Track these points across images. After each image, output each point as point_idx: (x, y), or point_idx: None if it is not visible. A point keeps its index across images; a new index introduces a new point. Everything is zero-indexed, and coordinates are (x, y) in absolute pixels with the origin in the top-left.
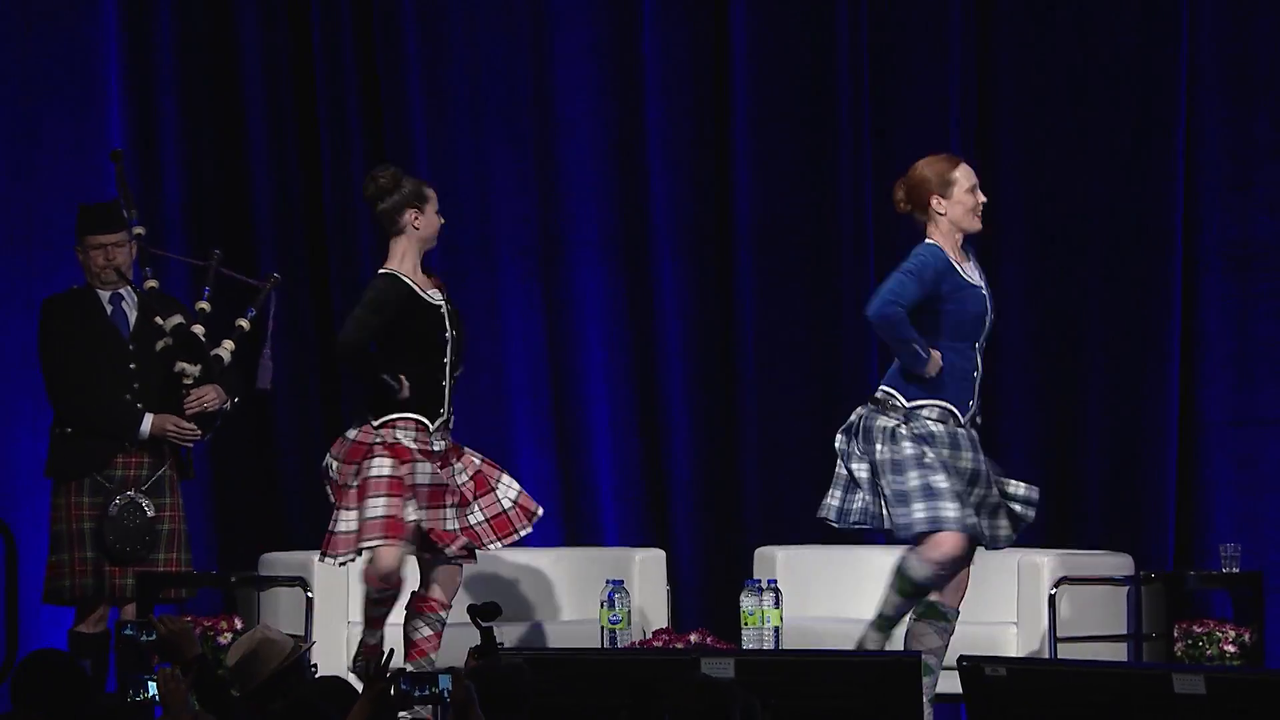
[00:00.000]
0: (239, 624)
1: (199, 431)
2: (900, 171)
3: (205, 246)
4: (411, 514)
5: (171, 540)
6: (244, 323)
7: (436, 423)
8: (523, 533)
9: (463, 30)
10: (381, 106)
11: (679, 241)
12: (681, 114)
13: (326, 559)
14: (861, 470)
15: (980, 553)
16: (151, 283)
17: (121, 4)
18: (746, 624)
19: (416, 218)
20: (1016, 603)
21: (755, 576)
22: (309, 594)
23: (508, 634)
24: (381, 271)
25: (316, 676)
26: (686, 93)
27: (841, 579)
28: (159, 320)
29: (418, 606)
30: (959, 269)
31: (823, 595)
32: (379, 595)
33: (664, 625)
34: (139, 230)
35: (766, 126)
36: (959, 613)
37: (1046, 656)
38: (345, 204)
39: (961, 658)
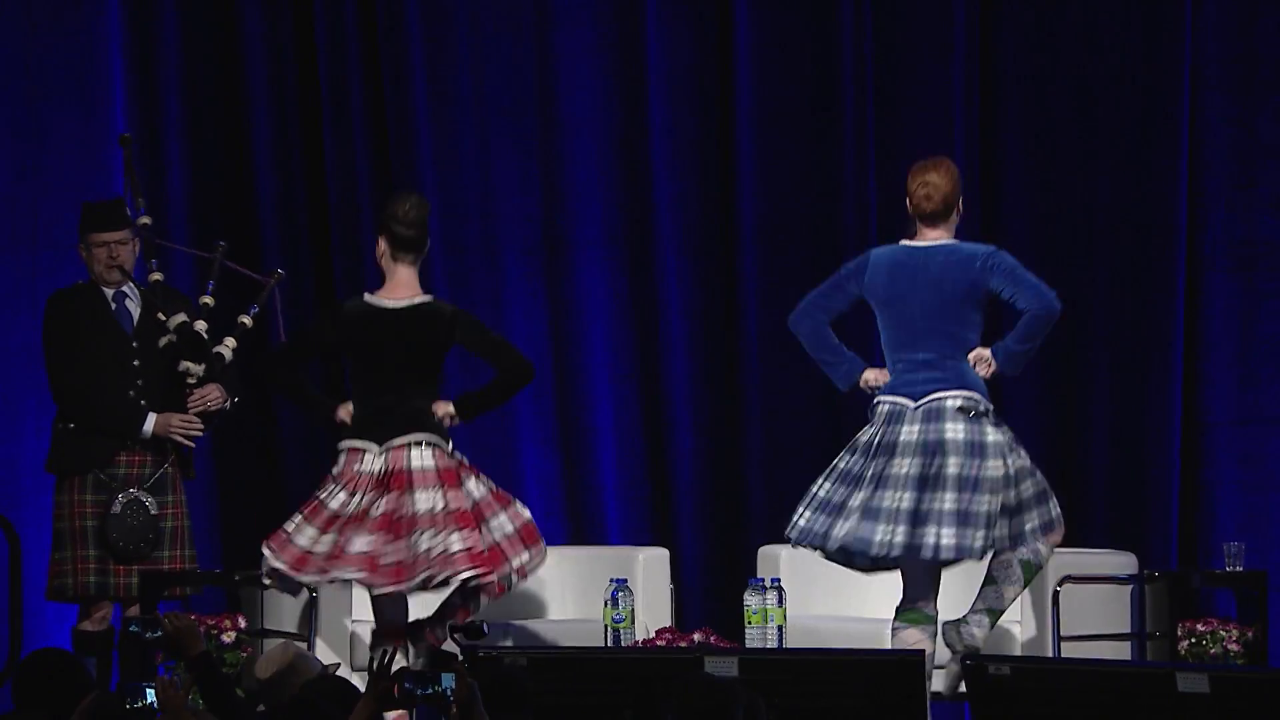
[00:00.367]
0: (242, 622)
1: (202, 429)
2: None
3: (209, 243)
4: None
5: (175, 537)
6: (247, 319)
7: None
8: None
9: (467, 28)
10: (386, 104)
11: (683, 241)
12: (686, 113)
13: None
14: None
15: None
16: (156, 275)
17: (126, 2)
18: (750, 623)
19: None
20: (1020, 601)
21: (759, 575)
22: (312, 593)
23: (511, 633)
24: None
25: (271, 671)
26: (691, 92)
27: (845, 578)
28: (162, 317)
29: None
30: None
31: (826, 594)
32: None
33: (667, 624)
34: (145, 220)
35: (771, 125)
36: None
37: (1050, 655)
38: (349, 201)
39: (965, 657)
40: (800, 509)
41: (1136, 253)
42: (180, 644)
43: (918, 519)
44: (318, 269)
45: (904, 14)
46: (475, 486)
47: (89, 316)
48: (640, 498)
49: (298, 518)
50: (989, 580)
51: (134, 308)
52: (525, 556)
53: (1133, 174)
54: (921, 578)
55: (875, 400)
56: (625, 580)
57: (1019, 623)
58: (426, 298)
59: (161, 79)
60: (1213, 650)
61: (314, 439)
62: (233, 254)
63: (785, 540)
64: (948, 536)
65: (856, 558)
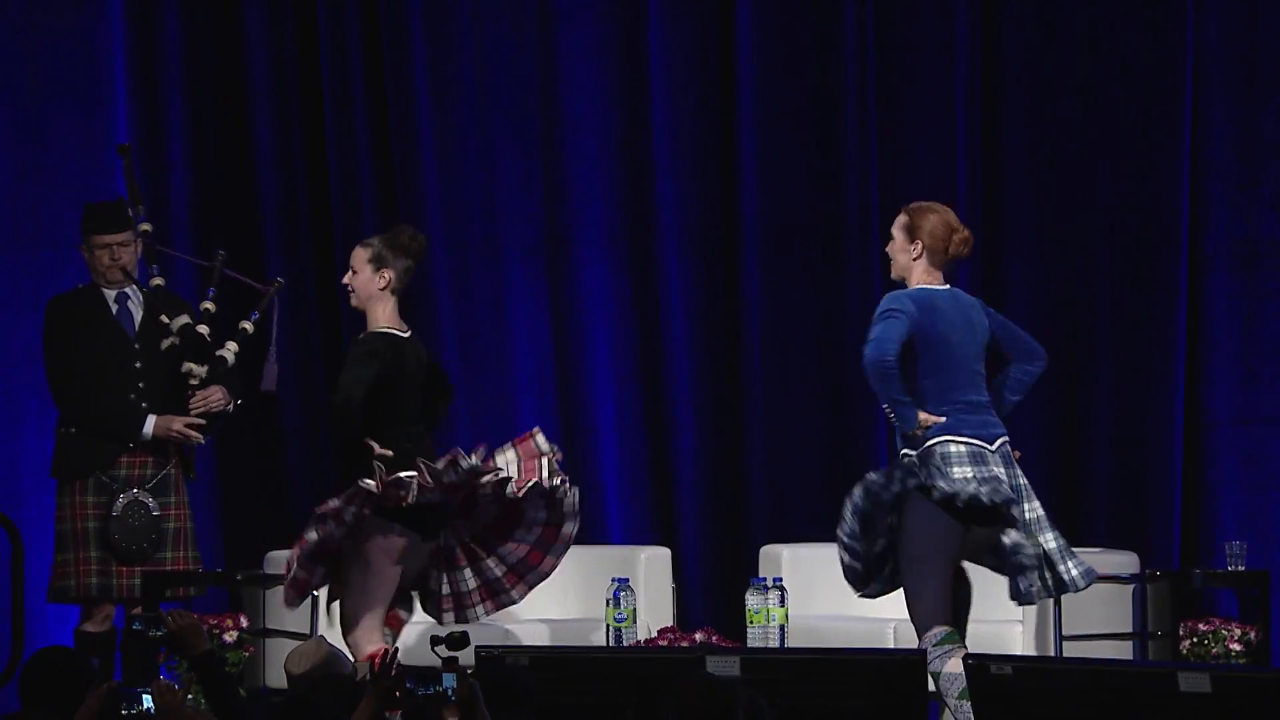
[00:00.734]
0: (244, 622)
1: (204, 430)
2: (904, 172)
3: (211, 246)
4: None
5: (178, 538)
6: (247, 325)
7: None
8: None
9: (468, 29)
10: (388, 106)
11: (685, 240)
12: (687, 112)
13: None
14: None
15: None
16: (157, 280)
17: (128, 3)
18: (752, 622)
19: None
20: None
21: (760, 575)
22: (314, 592)
23: (513, 632)
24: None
25: (306, 666)
26: (692, 91)
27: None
28: (165, 319)
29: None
30: None
31: (828, 593)
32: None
33: (669, 624)
34: (145, 227)
35: (772, 125)
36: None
37: (1052, 655)
38: (351, 204)
39: (967, 656)
40: None
41: (1138, 252)
42: (183, 642)
43: (1056, 557)
44: (319, 271)
45: (906, 13)
46: None
47: (89, 319)
48: (642, 497)
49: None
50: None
51: (136, 310)
52: None
53: (1134, 174)
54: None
55: (931, 441)
56: (627, 580)
57: (1021, 622)
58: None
59: (163, 80)
60: (1214, 650)
61: (315, 439)
62: (234, 257)
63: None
64: (1076, 567)
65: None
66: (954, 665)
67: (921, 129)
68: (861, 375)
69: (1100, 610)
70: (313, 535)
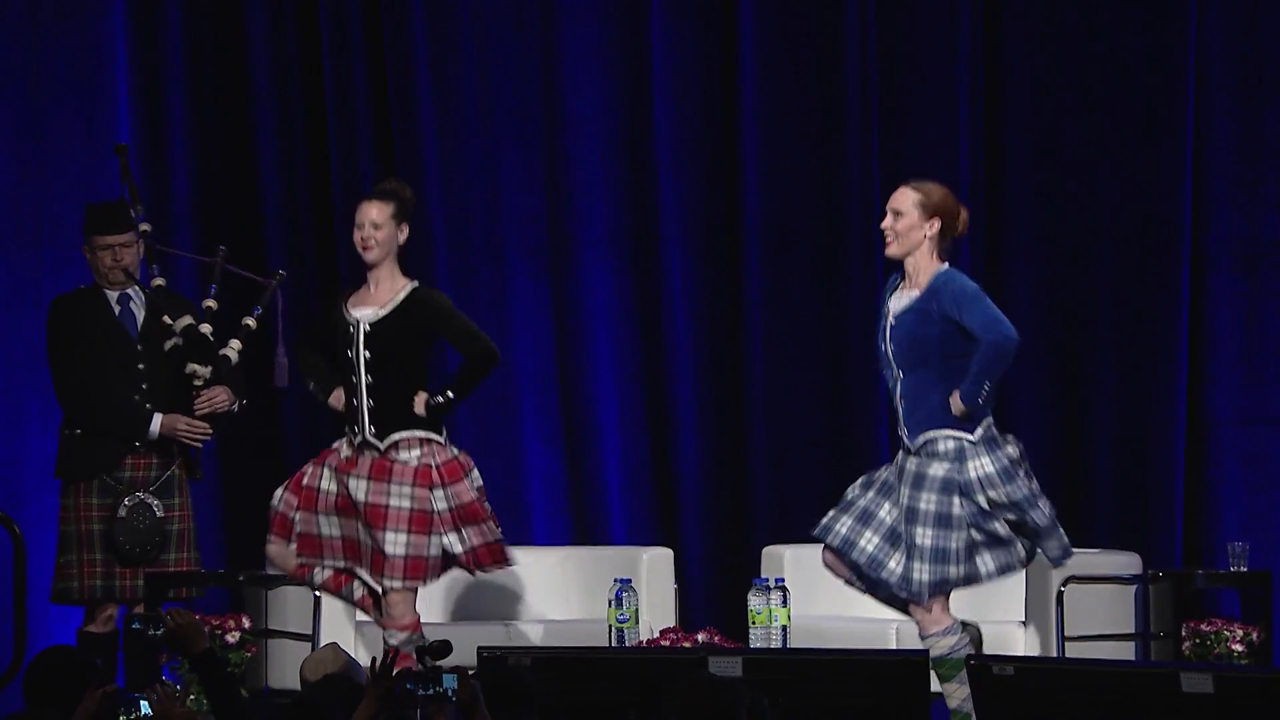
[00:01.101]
0: (246, 623)
1: (209, 431)
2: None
3: (213, 245)
4: (277, 503)
5: (181, 540)
6: (250, 321)
7: (357, 439)
8: (385, 582)
9: (471, 28)
10: (390, 105)
11: (687, 240)
12: (690, 112)
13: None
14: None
15: None
16: (159, 281)
17: (129, 3)
18: (754, 623)
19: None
20: (1024, 602)
21: (763, 575)
22: (316, 593)
23: (515, 633)
24: None
25: (321, 674)
26: (695, 91)
27: None
28: (167, 320)
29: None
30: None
31: (830, 594)
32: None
33: (671, 624)
34: (145, 227)
35: (775, 125)
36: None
37: (1054, 655)
38: (353, 202)
39: (970, 656)
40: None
41: (1141, 252)
42: (183, 641)
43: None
44: (321, 269)
45: (908, 13)
46: None
47: (92, 320)
48: (644, 497)
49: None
50: None
51: (139, 310)
52: None
53: (1137, 173)
54: None
55: (991, 429)
56: (629, 580)
57: (1023, 623)
58: None
59: (165, 80)
60: (1217, 650)
61: (317, 439)
62: (235, 255)
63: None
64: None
65: None
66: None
67: (924, 129)
68: (865, 373)
69: (1102, 611)
70: None
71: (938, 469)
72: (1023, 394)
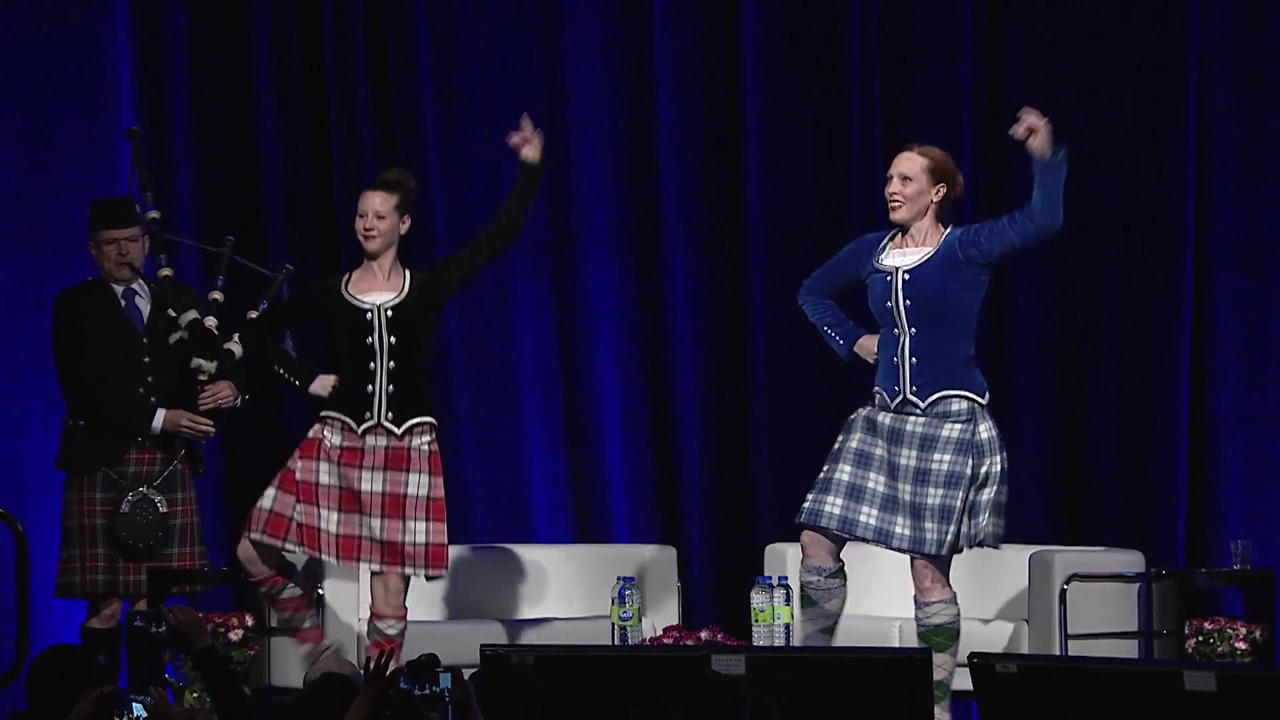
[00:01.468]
0: (249, 620)
1: (212, 427)
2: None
3: (217, 242)
4: (288, 509)
5: (185, 535)
6: (254, 315)
7: (363, 425)
8: (407, 570)
9: (473, 26)
10: (392, 103)
11: (689, 239)
12: (692, 111)
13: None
14: None
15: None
16: (166, 271)
17: (132, 1)
18: (757, 621)
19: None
20: (1027, 600)
21: (766, 573)
22: (319, 590)
23: (518, 632)
24: None
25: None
26: (697, 90)
27: (851, 576)
28: (173, 313)
29: (371, 616)
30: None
31: None
32: (255, 582)
33: (674, 622)
34: (154, 215)
35: (777, 124)
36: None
37: (1057, 653)
38: (356, 199)
39: (972, 655)
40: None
41: (1143, 251)
42: (186, 638)
43: None
44: (324, 266)
45: (910, 12)
46: None
47: (98, 314)
48: (647, 496)
49: None
50: None
51: (144, 305)
52: None
53: (1139, 173)
54: None
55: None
56: (632, 578)
57: (1026, 620)
58: None
59: (168, 77)
60: (1220, 649)
61: None
62: (239, 246)
63: None
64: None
65: None
66: None
67: (926, 128)
68: (867, 372)
69: (1105, 609)
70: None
71: (950, 430)
72: (1025, 393)
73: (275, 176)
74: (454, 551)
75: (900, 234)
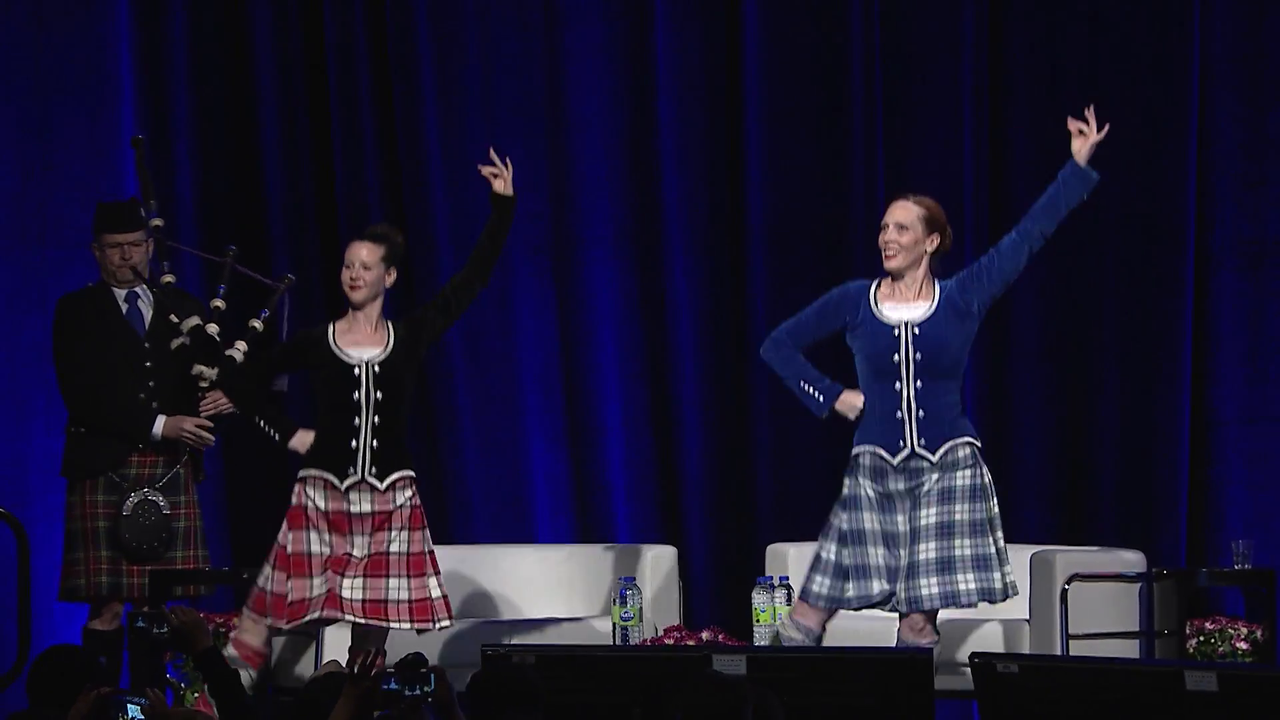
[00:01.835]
0: None
1: (213, 435)
2: (910, 171)
3: (218, 244)
4: (277, 586)
5: (188, 537)
6: (257, 323)
7: (346, 482)
8: (391, 625)
9: (475, 27)
10: (394, 105)
11: (691, 239)
12: (694, 111)
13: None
14: None
15: None
16: (169, 278)
17: (135, 1)
18: (758, 621)
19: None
20: (1029, 599)
21: (767, 574)
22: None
23: (519, 631)
24: None
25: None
26: (699, 90)
27: None
28: (174, 319)
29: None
30: (870, 304)
31: None
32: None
33: (675, 622)
34: (157, 222)
35: (779, 124)
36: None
37: (1058, 653)
38: (357, 203)
39: (973, 654)
40: None
41: (1145, 250)
42: (188, 639)
43: None
44: (326, 270)
45: (912, 12)
46: None
47: (99, 318)
48: (648, 496)
49: None
50: None
51: (146, 309)
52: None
53: (1142, 172)
54: None
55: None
56: (633, 579)
57: (1027, 621)
58: None
59: (170, 78)
60: (1221, 649)
61: None
62: (242, 256)
63: None
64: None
65: None
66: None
67: (928, 128)
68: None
69: (1107, 609)
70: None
71: (962, 478)
72: (1027, 392)
73: (277, 177)
74: (455, 551)
75: (887, 283)
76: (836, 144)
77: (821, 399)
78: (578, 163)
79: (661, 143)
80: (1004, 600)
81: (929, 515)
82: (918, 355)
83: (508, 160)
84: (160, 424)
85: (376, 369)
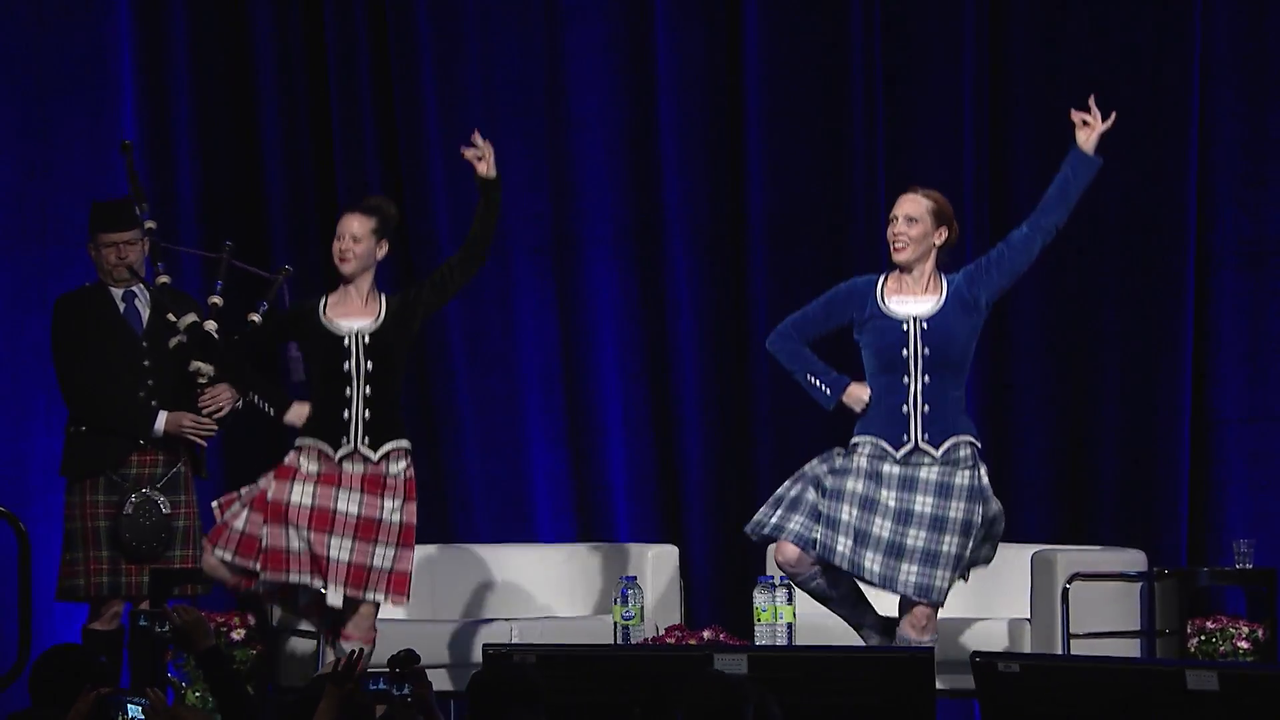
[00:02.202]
0: (251, 620)
1: (214, 427)
2: (911, 170)
3: (219, 244)
4: (242, 525)
5: (187, 537)
6: (256, 317)
7: (340, 452)
8: (369, 595)
9: (476, 26)
10: (395, 104)
11: (692, 238)
12: (694, 110)
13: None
14: None
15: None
16: (164, 278)
17: (135, 1)
18: (759, 620)
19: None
20: (1030, 599)
21: (768, 573)
22: (322, 590)
23: (520, 631)
24: None
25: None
26: (699, 89)
27: None
28: (172, 317)
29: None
30: (877, 298)
31: None
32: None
33: (677, 622)
34: (150, 224)
35: (780, 123)
36: None
37: (1060, 653)
38: (359, 200)
39: (975, 654)
40: None
41: (1146, 250)
42: (190, 638)
43: None
44: (326, 266)
45: (913, 11)
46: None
47: (97, 318)
48: (650, 495)
49: None
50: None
51: (143, 308)
52: None
53: (1142, 171)
54: None
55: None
56: (635, 578)
57: (1028, 620)
58: None
59: (171, 77)
60: (1222, 648)
61: None
62: (240, 253)
63: None
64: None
65: None
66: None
67: (929, 127)
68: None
69: (1108, 608)
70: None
71: (962, 477)
72: (1028, 392)
73: (278, 176)
74: (457, 551)
75: (894, 277)
76: (837, 143)
77: (829, 392)
78: (578, 162)
79: (662, 142)
80: (941, 601)
81: (924, 503)
82: (926, 350)
83: (488, 141)
84: (162, 420)
85: (366, 339)
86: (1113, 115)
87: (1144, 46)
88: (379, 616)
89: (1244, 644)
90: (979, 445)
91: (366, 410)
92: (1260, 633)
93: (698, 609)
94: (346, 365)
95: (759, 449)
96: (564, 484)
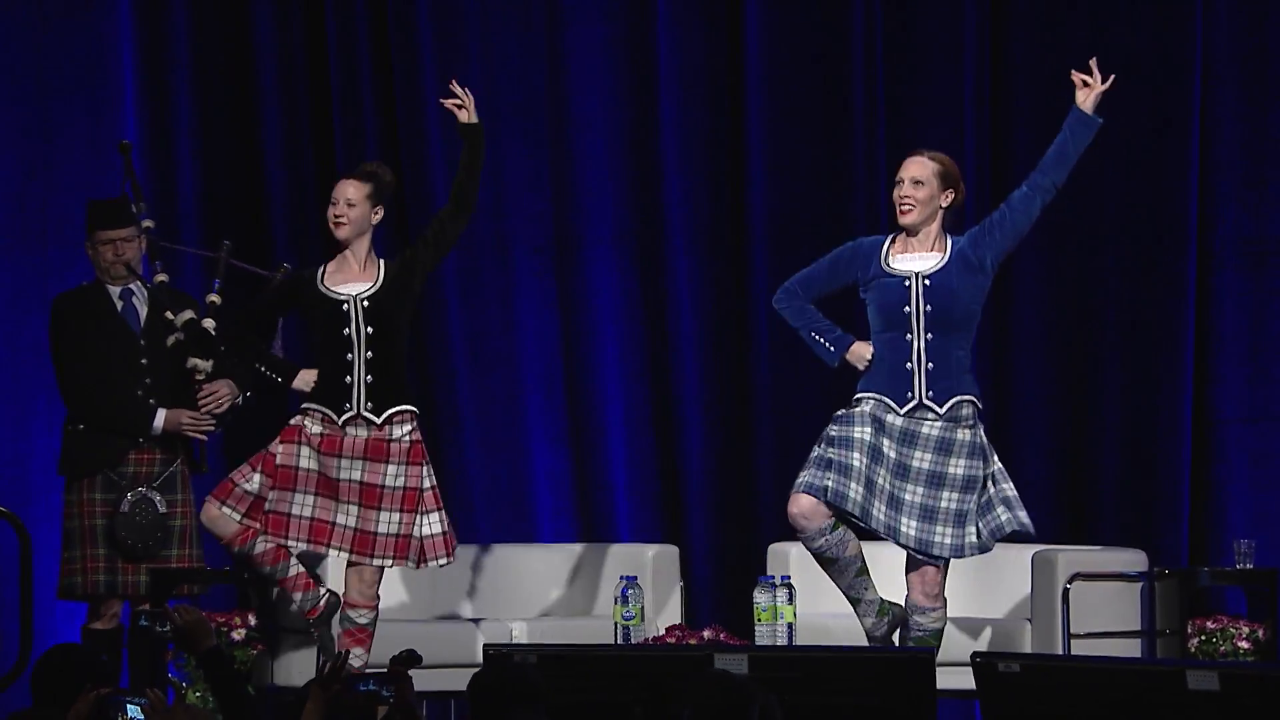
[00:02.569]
0: (251, 620)
1: (213, 424)
2: None
3: (219, 243)
4: (255, 488)
5: (184, 536)
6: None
7: (343, 417)
8: (375, 561)
9: (477, 26)
10: (396, 102)
11: (693, 238)
12: (696, 110)
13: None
14: None
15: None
16: (161, 277)
17: (135, 1)
18: (760, 620)
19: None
20: (1030, 599)
21: (769, 573)
22: (322, 589)
23: (521, 631)
24: None
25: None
26: (701, 89)
27: None
28: (170, 315)
29: (344, 604)
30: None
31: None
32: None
33: (677, 621)
34: (148, 224)
35: (781, 123)
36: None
37: (1060, 653)
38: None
39: (975, 654)
40: None
41: (1147, 250)
42: (190, 638)
43: None
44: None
45: (914, 11)
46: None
47: (95, 317)
48: (650, 495)
49: None
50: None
51: (141, 306)
52: None
53: (1143, 171)
54: None
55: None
56: (635, 578)
57: (1029, 620)
58: None
59: (172, 77)
60: (1223, 648)
61: None
62: (241, 252)
63: None
64: None
65: None
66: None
67: (930, 127)
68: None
69: (1108, 608)
70: None
71: (964, 434)
72: (1029, 391)
73: (279, 176)
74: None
75: (900, 238)
76: (838, 142)
77: (832, 349)
78: (579, 162)
79: (663, 142)
80: (971, 555)
81: (923, 459)
82: (928, 307)
83: (467, 90)
84: (161, 417)
85: (365, 304)
86: (1112, 76)
87: (1144, 46)
88: (379, 620)
89: (1245, 644)
90: (980, 406)
91: (369, 374)
92: (1261, 633)
93: (698, 609)
94: (346, 330)
95: (759, 449)
96: (565, 483)
